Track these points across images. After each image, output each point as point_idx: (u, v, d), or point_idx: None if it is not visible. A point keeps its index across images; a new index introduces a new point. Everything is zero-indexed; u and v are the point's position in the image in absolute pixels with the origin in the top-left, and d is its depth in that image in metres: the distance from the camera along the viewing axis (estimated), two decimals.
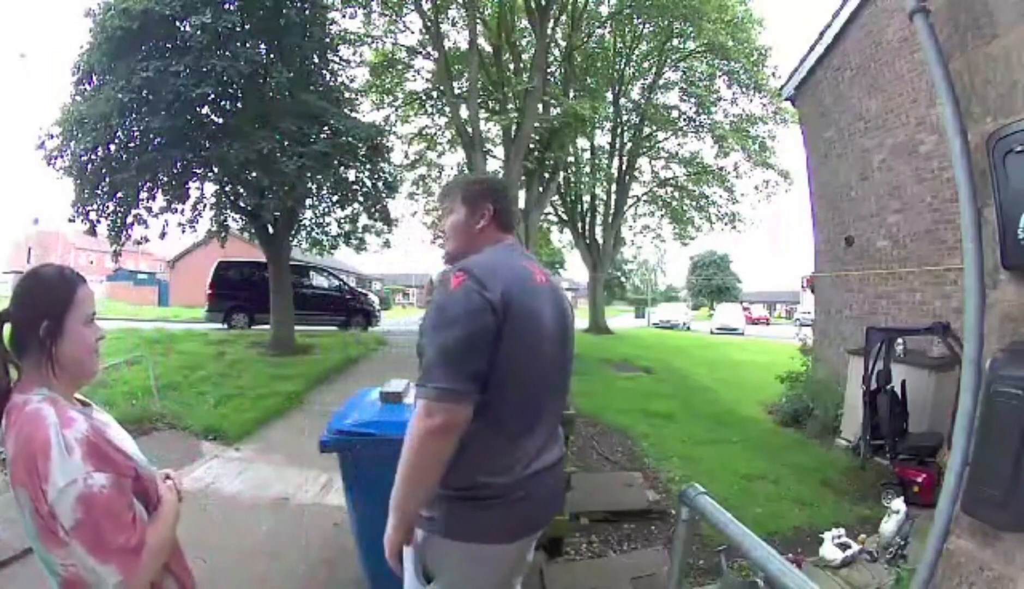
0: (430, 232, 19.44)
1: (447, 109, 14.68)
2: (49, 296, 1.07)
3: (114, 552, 0.95)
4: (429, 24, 13.10)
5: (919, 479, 4.20)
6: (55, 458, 0.94)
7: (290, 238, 10.21)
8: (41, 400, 1.01)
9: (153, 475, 1.17)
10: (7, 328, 1.06)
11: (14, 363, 1.05)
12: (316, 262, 17.55)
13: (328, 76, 10.10)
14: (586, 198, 19.52)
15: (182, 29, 8.01)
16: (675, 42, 17.09)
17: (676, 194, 20.95)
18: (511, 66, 15.09)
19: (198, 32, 7.71)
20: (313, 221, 10.72)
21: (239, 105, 8.76)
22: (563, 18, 14.43)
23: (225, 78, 7.82)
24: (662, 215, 21.81)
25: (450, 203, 1.49)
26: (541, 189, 14.82)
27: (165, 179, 8.57)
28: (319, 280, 15.02)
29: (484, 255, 1.36)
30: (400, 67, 16.08)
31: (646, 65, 18.15)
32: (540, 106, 13.14)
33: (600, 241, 19.75)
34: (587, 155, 19.37)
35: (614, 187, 19.15)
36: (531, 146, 13.65)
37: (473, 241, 1.44)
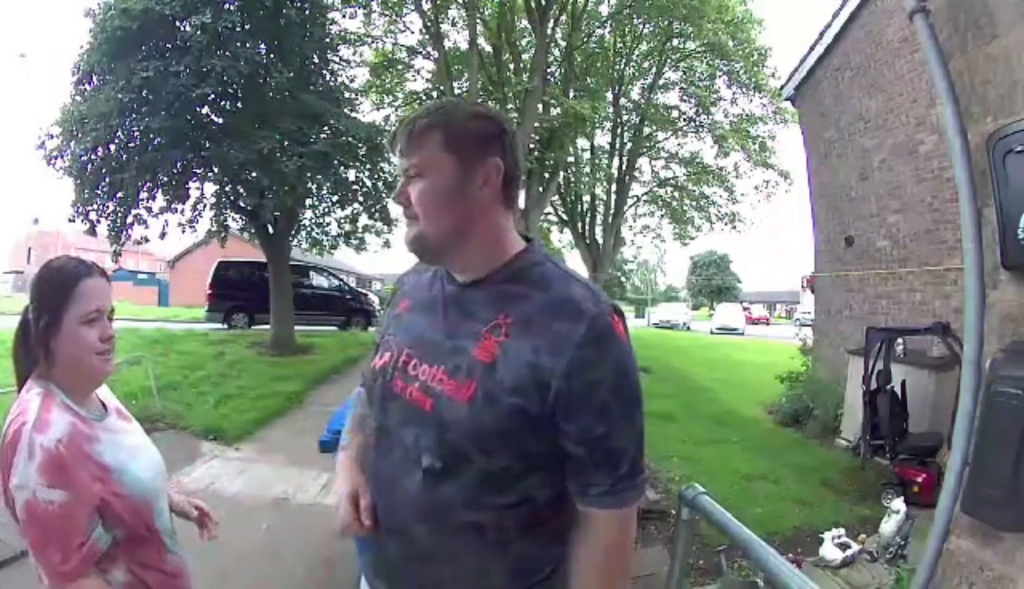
0: None
1: None
2: (47, 291, 1.04)
3: (48, 567, 0.96)
4: (429, 24, 13.09)
5: (919, 479, 4.20)
6: (18, 458, 0.94)
7: (290, 238, 10.21)
8: (36, 393, 1.01)
9: (147, 502, 1.09)
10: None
11: (27, 354, 1.05)
12: (316, 262, 17.54)
13: (328, 76, 10.10)
14: (586, 198, 19.51)
15: (182, 29, 8.01)
16: (675, 42, 17.08)
17: (676, 194, 20.93)
18: (511, 66, 15.08)
19: (198, 32, 7.70)
20: (313, 221, 10.72)
21: (239, 105, 8.75)
22: (563, 18, 14.42)
23: (225, 78, 7.81)
24: (662, 215, 21.80)
25: (421, 154, 0.85)
26: (541, 189, 14.82)
27: (165, 179, 8.57)
28: (319, 280, 15.01)
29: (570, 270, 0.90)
30: (400, 67, 16.07)
31: (646, 65, 18.14)
32: (540, 106, 13.13)
33: (600, 241, 19.74)
34: (587, 155, 19.36)
35: (614, 187, 19.14)
36: (531, 146, 13.64)
37: (471, 221, 0.86)
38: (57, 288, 1.03)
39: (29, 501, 0.93)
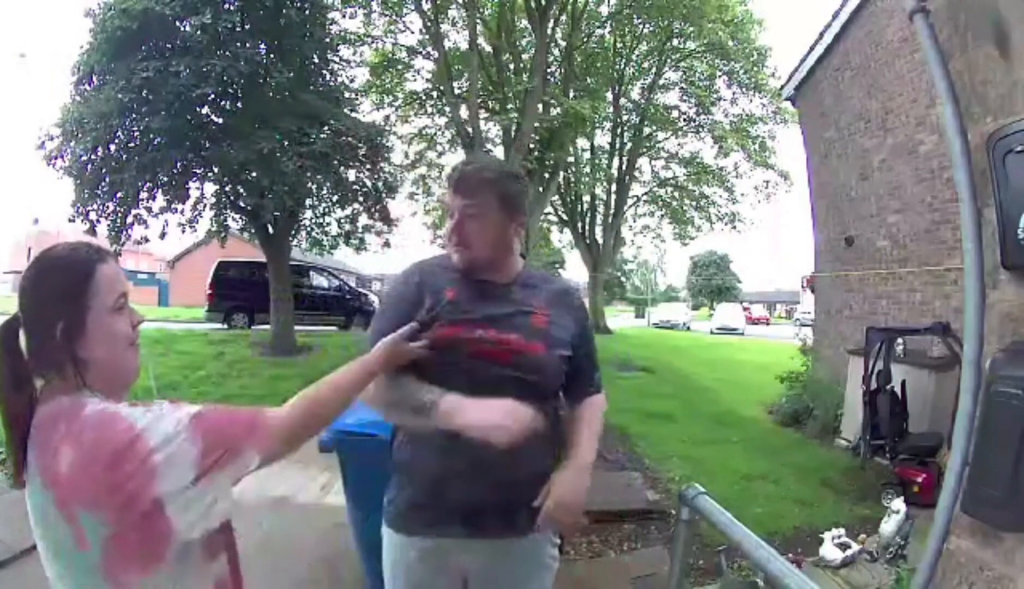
0: (430, 232, 19.47)
1: (447, 109, 14.67)
2: (59, 289, 0.83)
3: (245, 434, 0.87)
4: (429, 24, 13.09)
5: (919, 479, 4.20)
6: (148, 426, 0.79)
7: (290, 238, 10.21)
8: (99, 401, 0.82)
9: None
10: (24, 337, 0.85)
11: (38, 373, 0.84)
12: (316, 262, 17.55)
13: (328, 76, 10.11)
14: (586, 198, 19.53)
15: (182, 29, 8.02)
16: (675, 42, 17.09)
17: (676, 194, 20.96)
18: (511, 66, 15.09)
19: (198, 32, 7.71)
20: (313, 221, 10.72)
21: (239, 105, 8.76)
22: (563, 18, 14.42)
23: (225, 78, 7.82)
24: (662, 215, 21.83)
25: (480, 201, 1.27)
26: (541, 189, 14.82)
27: (165, 179, 8.57)
28: (319, 280, 15.02)
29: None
30: (400, 67, 16.08)
31: (646, 65, 18.15)
32: (540, 106, 13.13)
33: (600, 241, 19.75)
34: (587, 155, 19.38)
35: (614, 187, 19.15)
36: (531, 146, 13.64)
37: (506, 249, 1.33)
38: (71, 284, 0.83)
39: (192, 419, 0.81)
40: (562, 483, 1.27)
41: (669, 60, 17.73)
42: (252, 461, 0.88)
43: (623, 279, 55.62)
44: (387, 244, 11.65)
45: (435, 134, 17.49)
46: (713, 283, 51.72)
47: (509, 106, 13.84)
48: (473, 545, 1.29)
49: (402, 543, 1.32)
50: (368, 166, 10.10)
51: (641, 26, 16.71)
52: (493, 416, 1.13)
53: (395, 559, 1.34)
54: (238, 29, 8.22)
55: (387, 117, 15.73)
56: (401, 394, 1.25)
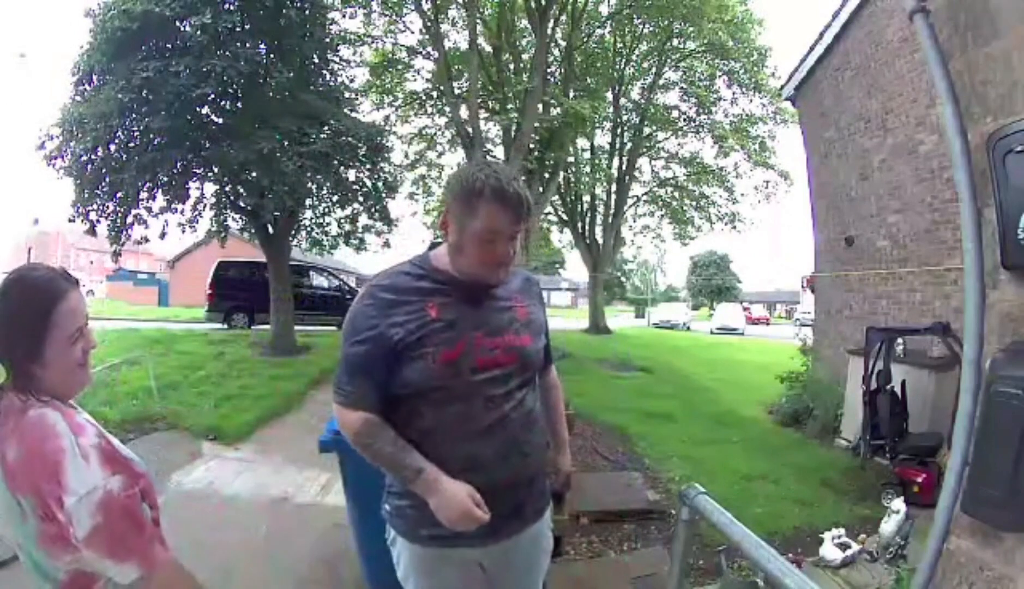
0: (430, 232, 19.47)
1: (447, 109, 14.67)
2: (22, 320, 0.95)
3: (134, 550, 0.95)
4: (429, 24, 13.08)
5: (919, 479, 4.20)
6: (71, 467, 0.90)
7: (290, 238, 10.20)
8: (43, 405, 0.96)
9: (149, 472, 1.14)
10: None
11: None
12: (316, 262, 17.54)
13: (328, 76, 10.10)
14: (586, 198, 19.50)
15: (182, 29, 8.01)
16: (675, 42, 17.08)
17: (676, 194, 20.93)
18: (511, 66, 15.08)
19: (198, 32, 7.70)
20: (313, 221, 10.71)
21: (239, 105, 8.75)
22: (563, 18, 14.41)
23: (225, 78, 7.81)
24: (662, 215, 21.80)
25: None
26: (541, 189, 14.81)
27: (165, 179, 8.56)
28: (319, 280, 15.01)
29: None
30: (400, 67, 16.07)
31: (646, 65, 18.14)
32: (540, 106, 13.12)
33: (600, 241, 19.74)
34: (587, 155, 19.36)
35: (614, 187, 19.13)
36: (531, 146, 13.63)
37: None
38: (34, 316, 0.95)
39: (103, 499, 0.91)
40: (564, 464, 1.63)
41: (669, 60, 17.71)
42: (130, 575, 0.95)
43: (623, 279, 55.62)
44: (387, 244, 11.64)
45: (435, 134, 17.49)
46: (713, 283, 51.70)
47: (509, 106, 13.83)
48: (490, 548, 1.35)
49: (419, 552, 1.34)
50: (368, 166, 10.09)
51: (641, 26, 16.69)
52: (452, 516, 1.21)
53: (412, 565, 1.36)
54: (238, 29, 8.21)
55: (387, 117, 15.73)
56: (391, 452, 1.26)
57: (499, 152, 15.86)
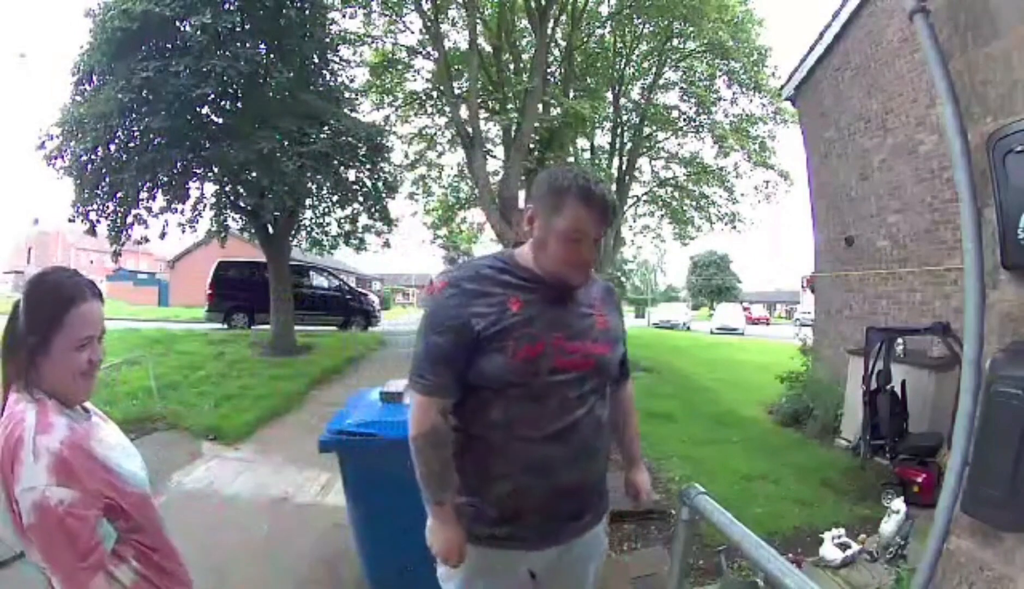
0: (430, 232, 19.46)
1: (447, 109, 14.64)
2: (39, 312, 1.01)
3: (62, 568, 0.95)
4: (429, 24, 13.07)
5: (919, 479, 4.19)
6: (23, 460, 0.93)
7: (290, 238, 10.21)
8: (29, 401, 1.00)
9: (145, 494, 1.13)
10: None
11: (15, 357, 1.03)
12: (316, 262, 17.54)
13: (328, 76, 10.11)
14: None
15: (182, 29, 8.02)
16: (675, 42, 17.05)
17: (676, 194, 20.90)
18: (511, 66, 15.06)
19: (198, 32, 7.71)
20: (313, 221, 10.72)
21: (239, 105, 8.75)
22: (563, 18, 14.40)
23: (225, 78, 7.82)
24: (662, 215, 21.76)
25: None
26: None
27: (165, 179, 8.57)
28: (319, 280, 15.02)
29: None
30: (400, 67, 16.05)
31: (646, 65, 18.11)
32: (540, 106, 13.10)
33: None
34: (587, 155, 19.32)
35: (614, 187, 19.10)
36: (531, 146, 13.62)
37: None
38: (49, 311, 1.01)
39: (39, 502, 0.92)
40: (642, 482, 1.62)
41: (669, 60, 17.69)
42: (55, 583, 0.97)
43: (623, 279, 55.53)
44: (387, 244, 11.66)
45: (435, 134, 17.46)
46: (713, 283, 51.67)
47: (509, 106, 13.82)
48: (545, 553, 1.35)
49: (470, 551, 1.32)
50: (368, 166, 10.10)
51: (641, 26, 16.67)
52: (438, 548, 1.30)
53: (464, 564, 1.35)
54: (238, 29, 8.21)
55: (387, 117, 15.69)
56: (437, 470, 1.30)
57: (499, 152, 15.87)
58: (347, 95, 10.55)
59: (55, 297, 1.02)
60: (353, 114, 10.42)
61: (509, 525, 1.30)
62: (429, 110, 16.73)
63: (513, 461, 1.26)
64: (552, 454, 1.27)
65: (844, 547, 3.21)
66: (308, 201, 9.91)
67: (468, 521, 1.31)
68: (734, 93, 17.83)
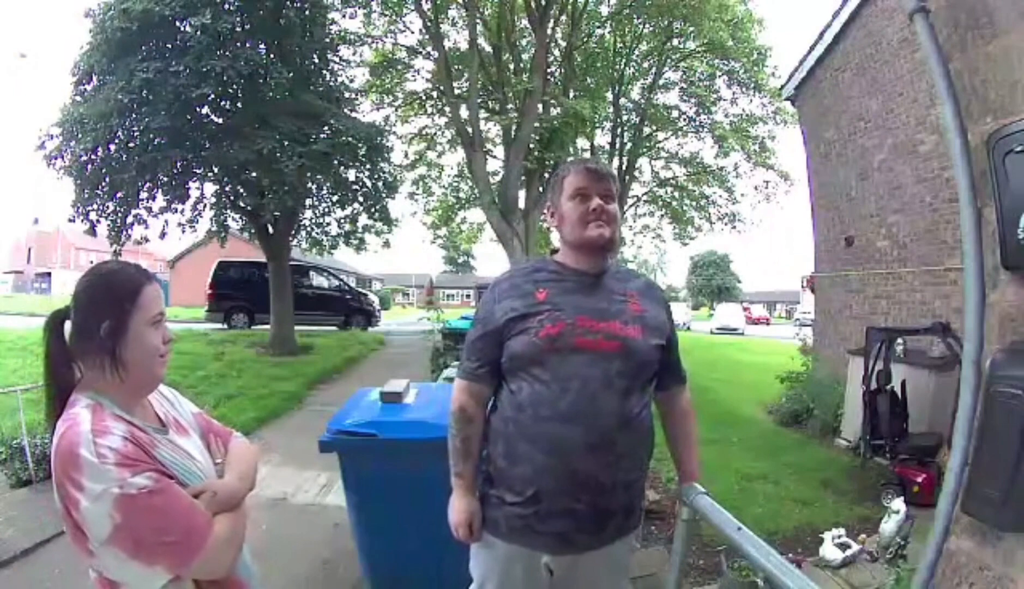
0: (430, 232, 19.46)
1: (447, 109, 14.65)
2: (110, 294, 1.00)
3: (162, 552, 0.90)
4: (429, 24, 13.08)
5: (919, 479, 4.19)
6: (84, 470, 0.87)
7: (290, 238, 10.21)
8: (84, 405, 0.95)
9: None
10: (69, 327, 1.01)
11: (76, 363, 1.01)
12: (316, 262, 17.54)
13: (328, 76, 10.11)
14: None
15: (182, 30, 8.03)
16: (675, 42, 17.06)
17: (676, 194, 20.91)
18: (511, 66, 15.07)
19: (198, 33, 7.71)
20: (313, 221, 10.73)
21: (239, 105, 8.76)
22: (563, 18, 14.41)
23: (225, 78, 7.82)
24: (662, 215, 21.77)
25: (611, 187, 1.46)
26: (541, 189, 14.81)
27: (165, 179, 8.58)
28: (319, 280, 15.03)
29: None
30: (400, 67, 16.05)
31: (646, 65, 18.12)
32: (540, 106, 13.12)
33: None
34: (587, 155, 19.33)
35: None
36: (531, 146, 13.63)
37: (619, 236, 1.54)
38: (123, 293, 1.01)
39: (120, 497, 0.87)
40: None
41: (669, 60, 17.69)
42: (155, 582, 0.92)
43: None
44: (387, 244, 11.66)
45: (435, 134, 17.48)
46: (713, 283, 51.66)
47: (509, 106, 13.83)
48: (559, 559, 1.38)
49: (491, 540, 1.41)
50: (368, 166, 10.10)
51: (641, 26, 16.67)
52: (452, 518, 1.42)
53: (482, 551, 1.44)
54: (238, 29, 8.22)
55: (387, 117, 15.71)
56: (462, 446, 1.42)
57: (499, 152, 15.87)
58: (347, 95, 10.56)
59: (124, 278, 1.03)
60: (353, 114, 10.43)
61: (528, 509, 1.32)
62: (429, 110, 16.74)
63: (535, 442, 1.31)
64: (568, 435, 1.28)
65: (844, 547, 3.20)
66: (308, 201, 9.92)
67: (491, 509, 1.38)
68: (734, 93, 17.85)
